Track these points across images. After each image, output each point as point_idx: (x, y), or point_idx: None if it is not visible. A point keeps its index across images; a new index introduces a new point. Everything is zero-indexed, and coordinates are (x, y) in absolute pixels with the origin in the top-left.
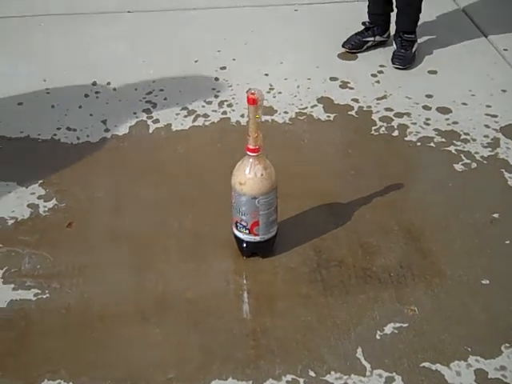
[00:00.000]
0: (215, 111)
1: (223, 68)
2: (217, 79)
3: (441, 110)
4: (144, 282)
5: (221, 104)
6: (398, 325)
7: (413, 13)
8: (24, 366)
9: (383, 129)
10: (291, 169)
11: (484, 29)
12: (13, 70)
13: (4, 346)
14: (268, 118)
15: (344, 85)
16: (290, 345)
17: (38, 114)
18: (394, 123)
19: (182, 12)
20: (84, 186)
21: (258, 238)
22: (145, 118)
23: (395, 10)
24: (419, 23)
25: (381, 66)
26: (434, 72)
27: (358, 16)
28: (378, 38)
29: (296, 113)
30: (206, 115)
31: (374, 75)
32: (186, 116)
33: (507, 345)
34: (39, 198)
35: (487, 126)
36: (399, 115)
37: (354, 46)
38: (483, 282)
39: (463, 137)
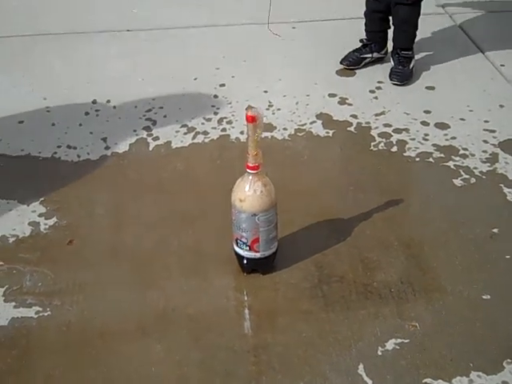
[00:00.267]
0: (215, 128)
1: (222, 85)
2: (216, 96)
3: (439, 125)
4: (145, 299)
5: (220, 121)
6: (399, 341)
7: (410, 30)
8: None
9: (382, 144)
10: (291, 185)
11: (481, 45)
12: (13, 89)
13: (6, 364)
14: (267, 134)
15: (342, 101)
16: (291, 361)
17: (38, 132)
18: (393, 139)
19: (181, 30)
20: (84, 204)
21: (258, 255)
22: (145, 136)
23: (392, 27)
24: (416, 40)
25: (379, 82)
26: (432, 88)
27: (355, 33)
28: (375, 55)
29: (295, 129)
30: (205, 132)
31: (372, 91)
32: (185, 133)
33: (509, 360)
34: (40, 215)
35: (486, 141)
36: (398, 131)
37: (352, 63)
38: (484, 297)
39: (462, 152)
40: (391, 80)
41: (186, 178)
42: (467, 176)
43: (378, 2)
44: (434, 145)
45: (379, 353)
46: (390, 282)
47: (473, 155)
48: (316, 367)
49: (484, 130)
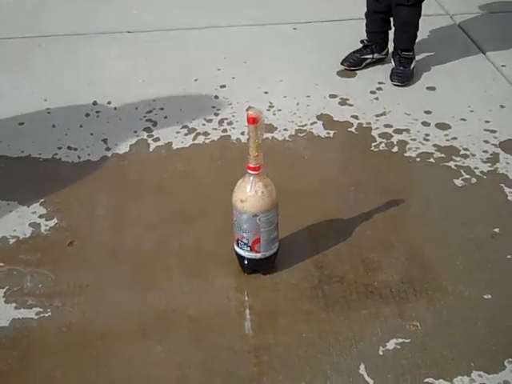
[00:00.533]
0: (215, 129)
1: (223, 86)
2: (217, 97)
3: (440, 125)
4: (145, 300)
5: (221, 122)
6: (400, 340)
7: (410, 31)
8: None
9: (383, 145)
10: (292, 186)
11: (481, 45)
12: (14, 91)
13: (6, 365)
14: (268, 135)
15: (343, 102)
16: (292, 361)
17: (38, 133)
18: (394, 139)
19: (182, 31)
20: (85, 205)
21: (259, 255)
22: (145, 137)
23: (393, 28)
24: (417, 40)
25: (379, 82)
26: (433, 88)
27: (356, 34)
28: (376, 56)
29: (296, 130)
30: (206, 133)
31: (372, 92)
32: (186, 134)
33: (510, 359)
34: (40, 216)
35: (486, 142)
36: (398, 131)
37: (353, 64)
38: (485, 296)
39: (462, 152)
40: (392, 81)
41: (187, 179)
42: (468, 176)
43: (379, 2)
44: (434, 145)
45: (380, 353)
46: (390, 282)
47: (474, 155)
48: (317, 367)
49: (485, 130)
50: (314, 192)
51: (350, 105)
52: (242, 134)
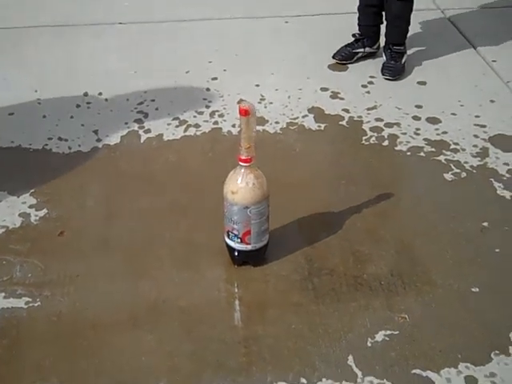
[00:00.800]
0: (206, 121)
1: (214, 79)
2: (208, 90)
3: (430, 120)
4: (136, 291)
5: (212, 114)
6: (388, 332)
7: (402, 25)
8: (15, 374)
9: (373, 138)
10: (283, 178)
11: (472, 40)
12: (3, 81)
13: None
14: (259, 127)
15: (334, 95)
16: (281, 352)
17: (29, 124)
18: (385, 133)
19: (174, 23)
20: (75, 196)
21: (249, 247)
22: (136, 128)
23: (385, 22)
24: (408, 35)
25: (371, 76)
26: (424, 83)
27: (348, 28)
28: (367, 50)
29: (287, 123)
30: (197, 125)
31: (364, 86)
32: (177, 126)
33: (497, 352)
34: (30, 207)
35: (476, 136)
36: (389, 125)
37: (344, 58)
38: (473, 290)
39: (453, 146)
40: (383, 75)
41: (178, 171)
42: (458, 170)
43: None
44: (425, 139)
45: (369, 344)
46: (380, 274)
47: (463, 150)
48: (306, 358)
49: (475, 124)
50: (305, 185)
51: (342, 98)
52: (233, 126)
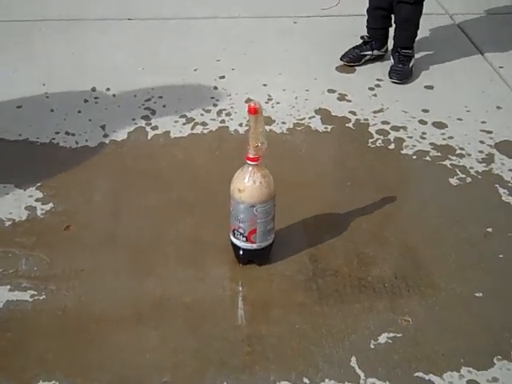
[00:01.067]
0: (214, 120)
1: (222, 77)
2: (216, 88)
3: (437, 124)
4: (141, 287)
5: (219, 113)
6: (392, 335)
7: (411, 29)
8: (19, 367)
9: (380, 141)
10: (289, 178)
11: (480, 46)
12: (12, 74)
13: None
14: (266, 127)
15: (342, 97)
16: (284, 352)
17: (36, 117)
18: (391, 136)
19: (183, 21)
20: (82, 190)
21: (254, 246)
22: (143, 125)
23: (394, 25)
24: (417, 39)
25: (378, 79)
26: (431, 87)
27: (356, 30)
28: (375, 52)
29: (294, 123)
30: (204, 123)
31: (371, 88)
32: (184, 124)
33: (499, 357)
34: (37, 200)
35: (482, 142)
36: (396, 128)
37: (352, 60)
38: (476, 294)
39: (458, 152)
40: (390, 78)
41: (185, 168)
42: (463, 175)
43: None
44: (431, 143)
45: (372, 346)
46: (384, 277)
47: (469, 155)
48: (309, 359)
49: (481, 130)
50: (311, 185)
51: (349, 100)
52: (240, 125)
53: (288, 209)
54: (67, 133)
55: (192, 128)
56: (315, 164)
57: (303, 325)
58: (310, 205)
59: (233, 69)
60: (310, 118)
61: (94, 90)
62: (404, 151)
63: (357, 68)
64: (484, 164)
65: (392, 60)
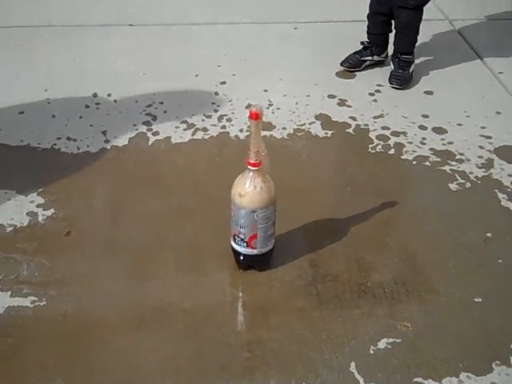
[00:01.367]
0: (214, 125)
1: (223, 83)
2: (217, 94)
3: (436, 130)
4: (141, 292)
5: (220, 118)
6: (391, 340)
7: (411, 34)
8: (20, 373)
9: (380, 147)
10: (289, 184)
11: (480, 52)
12: (15, 80)
13: (0, 352)
14: (266, 133)
15: (342, 103)
16: (284, 357)
17: (38, 123)
18: (391, 142)
19: (184, 27)
20: (83, 196)
21: (255, 251)
22: (144, 130)
23: (394, 30)
24: (417, 44)
25: (378, 85)
26: (431, 93)
27: (356, 35)
28: (375, 58)
29: (294, 129)
30: (205, 129)
31: (371, 94)
32: (185, 129)
33: (498, 362)
34: (38, 206)
35: (482, 147)
36: (396, 134)
37: (352, 65)
38: (476, 299)
39: (458, 157)
40: (391, 83)
41: (185, 174)
42: (463, 180)
43: (381, 4)
44: (430, 149)
45: (371, 351)
46: (383, 282)
47: (469, 160)
48: (309, 364)
49: (480, 135)
50: (311, 191)
51: (349, 106)
52: (241, 131)
53: (288, 214)
54: (68, 138)
55: (193, 134)
56: (315, 169)
57: (303, 330)
58: (310, 210)
59: (234, 74)
60: (310, 123)
61: (95, 95)
62: (404, 156)
63: (357, 73)
64: (483, 169)
65: (392, 65)
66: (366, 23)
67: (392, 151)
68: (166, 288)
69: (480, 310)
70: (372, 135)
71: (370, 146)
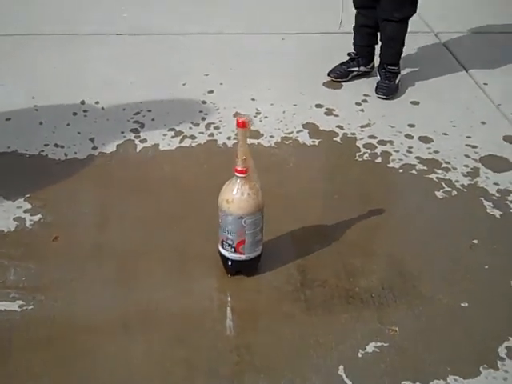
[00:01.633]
0: (202, 133)
1: (211, 92)
2: (204, 102)
3: (423, 139)
4: (129, 297)
5: (208, 126)
6: (379, 344)
7: (397, 46)
8: (8, 377)
9: (367, 155)
10: (277, 191)
11: (464, 63)
12: (1, 87)
13: None
14: (254, 141)
15: (329, 112)
16: (273, 361)
17: (26, 130)
18: (378, 150)
19: (171, 36)
20: (70, 202)
21: (243, 257)
22: (132, 138)
23: (380, 42)
24: (402, 56)
25: (365, 95)
26: (417, 103)
27: (343, 46)
28: (362, 69)
29: (282, 137)
30: (192, 137)
31: (358, 104)
32: (173, 137)
33: (485, 365)
34: (25, 211)
35: (467, 156)
36: (382, 143)
37: (339, 75)
38: (462, 304)
39: (444, 165)
40: (377, 93)
41: (173, 180)
42: (449, 188)
43: (367, 17)
44: (417, 157)
45: (359, 355)
46: (371, 287)
47: (455, 169)
48: (297, 368)
49: (466, 145)
50: (299, 198)
51: (336, 115)
52: (229, 138)
53: (276, 220)
54: (56, 145)
55: (181, 141)
56: (303, 177)
57: (291, 335)
58: (298, 217)
59: (221, 83)
60: (297, 131)
61: (83, 103)
62: (391, 165)
63: (344, 84)
64: (469, 177)
65: (378, 76)
66: (353, 35)
67: (379, 159)
68: (153, 293)
69: (467, 314)
70: (359, 144)
71: (357, 154)
